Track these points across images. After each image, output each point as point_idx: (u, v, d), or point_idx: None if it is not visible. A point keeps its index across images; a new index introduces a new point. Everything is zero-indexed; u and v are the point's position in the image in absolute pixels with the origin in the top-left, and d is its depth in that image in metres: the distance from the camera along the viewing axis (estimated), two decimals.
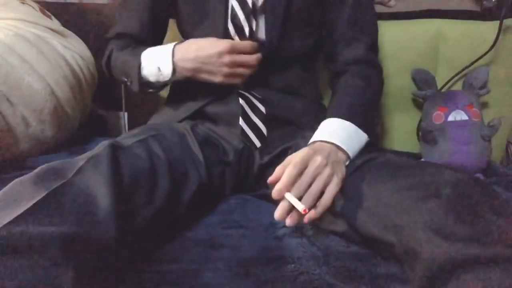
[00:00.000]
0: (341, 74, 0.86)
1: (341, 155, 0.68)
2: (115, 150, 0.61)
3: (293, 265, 0.60)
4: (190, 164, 0.72)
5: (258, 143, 0.80)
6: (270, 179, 0.61)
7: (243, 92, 0.83)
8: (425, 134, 1.02)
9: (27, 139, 0.97)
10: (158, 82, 0.82)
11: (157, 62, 0.80)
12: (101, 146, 0.61)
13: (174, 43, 0.81)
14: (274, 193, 0.59)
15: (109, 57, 0.90)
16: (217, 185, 0.78)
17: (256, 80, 0.83)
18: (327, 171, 0.62)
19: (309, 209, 0.60)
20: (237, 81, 0.79)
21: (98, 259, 0.51)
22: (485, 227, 0.49)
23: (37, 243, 0.46)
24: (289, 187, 0.60)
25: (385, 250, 0.59)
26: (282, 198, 0.60)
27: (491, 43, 1.02)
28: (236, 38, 0.80)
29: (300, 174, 0.61)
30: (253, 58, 0.78)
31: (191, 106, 0.85)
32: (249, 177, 0.83)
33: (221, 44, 0.76)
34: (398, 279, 0.58)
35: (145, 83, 0.83)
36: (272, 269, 0.59)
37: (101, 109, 1.32)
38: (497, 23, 1.03)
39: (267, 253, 0.63)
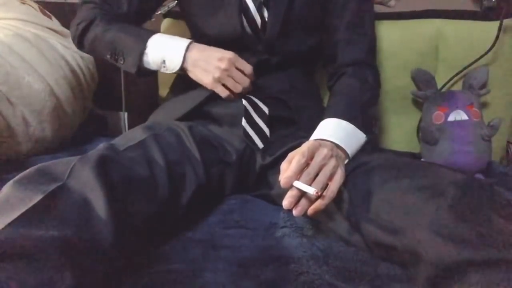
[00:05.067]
0: (339, 76, 0.87)
1: (341, 153, 0.68)
2: (109, 154, 0.60)
3: (293, 265, 0.60)
4: (188, 165, 0.71)
5: (260, 144, 0.80)
6: (281, 175, 0.62)
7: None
8: (425, 134, 1.02)
9: (27, 139, 0.97)
10: (156, 70, 0.83)
11: (164, 54, 0.80)
12: (96, 149, 0.61)
13: (189, 40, 0.81)
14: (283, 181, 0.59)
15: (88, 26, 0.85)
16: (216, 185, 0.78)
17: (258, 81, 0.83)
18: (332, 163, 0.63)
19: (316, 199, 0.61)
20: (223, 93, 0.80)
21: (96, 262, 0.50)
22: (489, 229, 0.49)
23: (36, 248, 0.45)
24: (298, 175, 0.60)
25: (388, 254, 0.59)
26: (290, 187, 0.60)
27: (491, 43, 1.02)
28: (248, 30, 0.83)
29: (306, 164, 0.62)
30: (246, 80, 0.80)
31: (191, 103, 0.85)
32: (250, 177, 0.83)
33: (226, 52, 0.79)
34: (398, 279, 0.58)
35: (142, 68, 0.82)
36: (272, 269, 0.59)
37: (101, 109, 1.32)
38: (497, 23, 1.03)
39: (267, 253, 0.62)
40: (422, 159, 1.04)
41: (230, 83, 0.79)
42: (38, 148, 1.00)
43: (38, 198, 0.49)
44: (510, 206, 0.53)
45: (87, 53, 0.92)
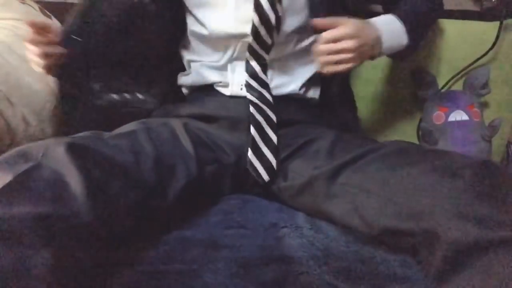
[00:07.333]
0: None
1: (377, 47, 0.76)
2: (86, 136, 0.61)
3: (293, 265, 0.60)
4: (179, 159, 0.70)
5: (266, 178, 0.78)
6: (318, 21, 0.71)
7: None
8: (425, 134, 1.02)
9: (27, 139, 0.97)
10: None
11: None
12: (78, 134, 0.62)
13: None
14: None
15: None
16: (211, 184, 0.77)
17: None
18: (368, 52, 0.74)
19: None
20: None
21: (75, 240, 0.50)
22: (508, 208, 0.48)
23: (10, 226, 0.45)
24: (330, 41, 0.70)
25: (400, 241, 0.58)
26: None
27: (491, 43, 1.02)
28: (262, 28, 0.77)
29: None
30: None
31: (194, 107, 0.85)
32: (250, 177, 0.83)
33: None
34: (398, 279, 0.58)
35: None
36: (272, 269, 0.59)
37: None
38: (497, 23, 1.03)
39: (267, 253, 0.62)
40: None
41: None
42: None
43: (9, 178, 0.49)
44: None
45: None
